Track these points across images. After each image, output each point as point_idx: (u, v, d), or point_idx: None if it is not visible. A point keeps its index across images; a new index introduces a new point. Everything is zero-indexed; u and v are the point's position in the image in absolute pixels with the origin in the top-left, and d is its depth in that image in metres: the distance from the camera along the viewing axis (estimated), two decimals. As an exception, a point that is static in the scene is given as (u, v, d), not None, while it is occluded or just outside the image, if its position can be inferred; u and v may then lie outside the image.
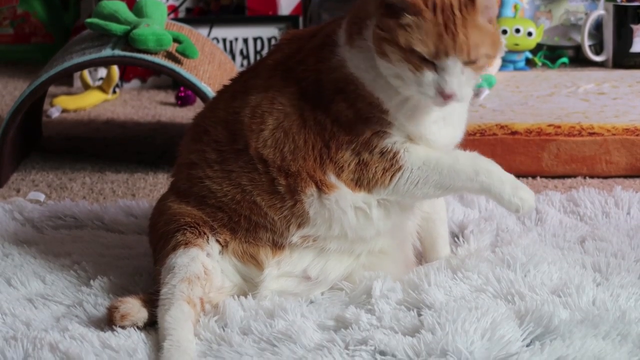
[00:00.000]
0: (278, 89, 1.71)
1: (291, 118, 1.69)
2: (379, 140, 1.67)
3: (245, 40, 3.47)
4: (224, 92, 1.82)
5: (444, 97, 1.59)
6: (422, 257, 1.85)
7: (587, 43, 3.28)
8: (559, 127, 2.44)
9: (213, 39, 3.44)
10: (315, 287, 1.73)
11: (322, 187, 1.68)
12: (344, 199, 1.69)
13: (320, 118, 1.68)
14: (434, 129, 1.69)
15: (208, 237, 1.70)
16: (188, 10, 3.58)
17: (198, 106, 3.05)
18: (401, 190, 1.69)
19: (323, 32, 1.73)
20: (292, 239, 1.70)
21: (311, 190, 1.68)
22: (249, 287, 1.72)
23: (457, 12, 1.58)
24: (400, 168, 1.67)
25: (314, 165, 1.68)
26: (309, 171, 1.68)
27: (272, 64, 1.75)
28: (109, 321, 1.63)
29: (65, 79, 3.37)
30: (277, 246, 1.72)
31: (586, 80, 2.90)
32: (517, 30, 3.20)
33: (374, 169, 1.68)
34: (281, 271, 1.72)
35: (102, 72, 3.33)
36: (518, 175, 2.41)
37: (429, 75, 1.58)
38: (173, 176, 1.84)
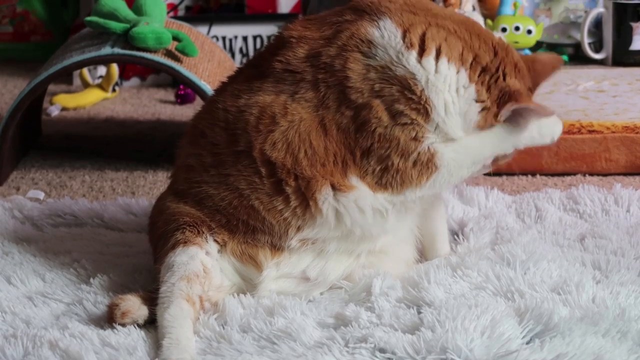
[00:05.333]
0: (290, 94, 1.69)
1: (308, 124, 1.66)
2: (415, 145, 1.67)
3: (245, 39, 3.47)
4: (222, 90, 1.79)
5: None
6: (421, 255, 1.84)
7: (586, 41, 3.27)
8: (559, 124, 2.44)
9: (212, 37, 3.43)
10: (314, 288, 1.73)
11: (339, 188, 1.67)
12: (364, 199, 1.68)
13: (344, 125, 1.67)
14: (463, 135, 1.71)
15: (206, 236, 1.70)
16: (187, 8, 3.58)
17: (198, 104, 3.05)
18: (438, 186, 1.71)
19: (343, 34, 1.69)
20: (291, 242, 1.70)
21: (327, 190, 1.67)
22: (247, 287, 1.71)
23: None
24: (437, 168, 1.68)
25: (334, 170, 1.67)
26: (325, 175, 1.67)
27: (280, 67, 1.71)
28: (109, 319, 1.63)
29: (64, 77, 3.37)
30: (276, 248, 1.71)
31: (586, 78, 2.90)
32: (517, 28, 3.20)
33: (408, 174, 1.67)
34: (280, 272, 1.72)
35: (101, 70, 3.33)
36: (517, 173, 2.42)
37: None
38: (171, 177, 1.83)
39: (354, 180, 1.68)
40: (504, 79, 1.70)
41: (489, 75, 1.70)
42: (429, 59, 1.67)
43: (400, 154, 1.67)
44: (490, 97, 1.69)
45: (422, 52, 1.67)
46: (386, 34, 1.68)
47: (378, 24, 1.69)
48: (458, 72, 1.68)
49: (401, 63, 1.66)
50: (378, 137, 1.66)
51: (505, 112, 1.69)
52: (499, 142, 1.73)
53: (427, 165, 1.68)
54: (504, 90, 1.69)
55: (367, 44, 1.67)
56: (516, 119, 1.71)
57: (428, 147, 1.67)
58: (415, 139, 1.66)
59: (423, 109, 1.66)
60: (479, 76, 1.69)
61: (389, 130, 1.66)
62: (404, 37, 1.67)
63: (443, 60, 1.67)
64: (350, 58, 1.67)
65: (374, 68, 1.67)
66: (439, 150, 1.68)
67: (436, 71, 1.67)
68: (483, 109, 1.69)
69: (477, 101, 1.69)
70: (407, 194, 1.69)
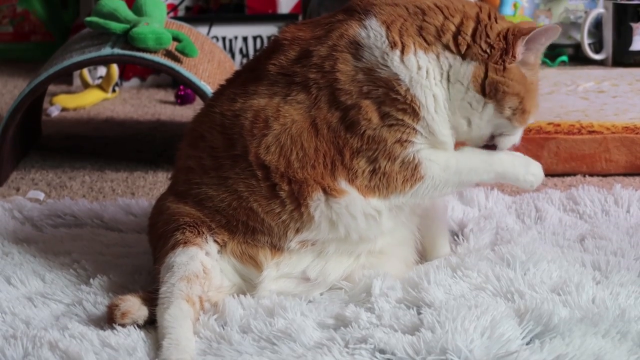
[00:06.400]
0: (283, 96, 1.69)
1: (300, 125, 1.67)
2: (401, 149, 1.68)
3: (245, 39, 3.47)
4: (220, 93, 1.80)
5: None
6: (422, 255, 1.84)
7: (586, 41, 3.27)
8: (559, 125, 2.44)
9: (212, 37, 3.44)
10: (314, 288, 1.73)
11: (330, 192, 1.68)
12: (354, 205, 1.68)
13: (334, 125, 1.67)
14: (450, 133, 1.72)
15: (206, 237, 1.70)
16: (187, 8, 3.58)
17: (197, 105, 3.05)
18: (420, 196, 1.71)
19: (334, 34, 1.70)
20: (290, 244, 1.70)
21: (318, 195, 1.68)
22: (247, 287, 1.72)
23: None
24: (422, 178, 1.69)
25: (324, 172, 1.68)
26: (316, 178, 1.67)
27: (274, 70, 1.72)
28: (109, 319, 1.63)
29: (64, 77, 3.37)
30: (276, 248, 1.71)
31: (586, 78, 2.90)
32: (517, 29, 3.20)
33: (394, 178, 1.68)
34: (280, 272, 1.72)
35: (101, 70, 3.33)
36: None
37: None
38: (171, 179, 1.84)
39: (343, 183, 1.68)
40: (497, 22, 1.71)
41: (484, 23, 1.70)
42: (409, 57, 1.68)
43: (387, 156, 1.67)
44: (490, 43, 1.69)
45: (403, 50, 1.68)
46: (372, 34, 1.69)
47: (364, 23, 1.70)
48: (438, 56, 1.69)
49: (386, 64, 1.68)
50: (367, 138, 1.67)
51: (519, 49, 1.69)
52: (488, 171, 1.74)
53: (412, 173, 1.68)
54: (502, 33, 1.70)
55: (354, 45, 1.69)
56: (529, 54, 1.71)
57: (413, 155, 1.68)
58: (400, 141, 1.67)
59: (410, 108, 1.67)
60: (473, 32, 1.69)
61: (377, 131, 1.67)
62: (387, 35, 1.69)
63: (419, 54, 1.68)
64: (340, 59, 1.68)
65: (361, 70, 1.68)
66: (424, 162, 1.69)
67: (418, 67, 1.68)
68: (482, 61, 1.69)
69: (473, 60, 1.69)
70: (392, 199, 1.70)
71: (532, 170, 1.76)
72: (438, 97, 1.68)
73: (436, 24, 1.70)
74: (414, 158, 1.68)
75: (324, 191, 1.68)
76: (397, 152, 1.67)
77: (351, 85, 1.67)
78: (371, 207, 1.69)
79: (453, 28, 1.70)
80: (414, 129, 1.68)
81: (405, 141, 1.67)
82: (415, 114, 1.67)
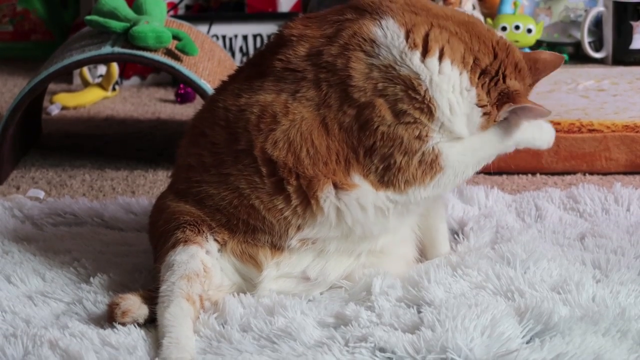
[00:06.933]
0: (291, 93, 1.69)
1: (310, 123, 1.66)
2: (419, 144, 1.67)
3: (245, 37, 3.47)
4: (222, 89, 1.79)
5: None
6: (421, 254, 1.84)
7: (586, 40, 3.27)
8: (559, 123, 2.44)
9: (213, 36, 3.43)
10: (314, 287, 1.73)
11: (341, 186, 1.67)
12: (365, 197, 1.68)
13: (346, 124, 1.67)
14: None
15: (207, 236, 1.70)
16: (188, 7, 3.57)
17: (198, 103, 3.05)
18: (442, 187, 1.71)
19: (345, 33, 1.69)
20: (291, 242, 1.70)
21: (329, 188, 1.67)
22: (247, 286, 1.71)
23: None
24: (441, 169, 1.68)
25: (336, 168, 1.67)
26: (327, 174, 1.67)
27: (280, 66, 1.71)
28: (109, 318, 1.63)
29: (64, 76, 3.37)
30: (276, 247, 1.71)
31: (586, 77, 2.90)
32: (517, 27, 3.20)
33: (412, 173, 1.67)
34: (280, 272, 1.71)
35: (101, 69, 3.33)
36: (517, 172, 2.43)
37: None
38: (172, 177, 1.83)
39: (357, 178, 1.68)
40: (504, 80, 1.71)
41: (489, 77, 1.70)
42: (433, 59, 1.67)
43: (403, 152, 1.67)
44: (490, 101, 1.70)
45: (425, 52, 1.67)
46: (389, 33, 1.68)
47: (380, 23, 1.69)
48: (461, 74, 1.69)
49: (405, 63, 1.66)
50: (381, 135, 1.66)
51: (503, 113, 1.70)
52: (502, 141, 1.73)
53: (431, 165, 1.67)
54: (503, 92, 1.70)
55: (369, 43, 1.67)
56: (515, 118, 1.72)
57: (433, 147, 1.67)
58: (419, 137, 1.66)
59: (427, 108, 1.66)
60: (478, 79, 1.70)
61: (392, 129, 1.66)
62: (407, 37, 1.68)
63: (446, 61, 1.68)
64: (353, 57, 1.67)
65: (377, 67, 1.67)
66: (443, 151, 1.68)
67: (440, 72, 1.67)
68: (485, 113, 1.70)
69: (478, 105, 1.69)
70: (411, 193, 1.69)
71: (544, 127, 1.78)
72: (453, 104, 1.68)
73: (460, 50, 1.70)
74: (433, 150, 1.67)
75: (335, 185, 1.67)
76: (415, 147, 1.67)
77: (365, 83, 1.67)
78: (381, 200, 1.69)
79: (470, 63, 1.71)
80: (430, 127, 1.67)
81: (426, 136, 1.67)
82: (431, 114, 1.67)
